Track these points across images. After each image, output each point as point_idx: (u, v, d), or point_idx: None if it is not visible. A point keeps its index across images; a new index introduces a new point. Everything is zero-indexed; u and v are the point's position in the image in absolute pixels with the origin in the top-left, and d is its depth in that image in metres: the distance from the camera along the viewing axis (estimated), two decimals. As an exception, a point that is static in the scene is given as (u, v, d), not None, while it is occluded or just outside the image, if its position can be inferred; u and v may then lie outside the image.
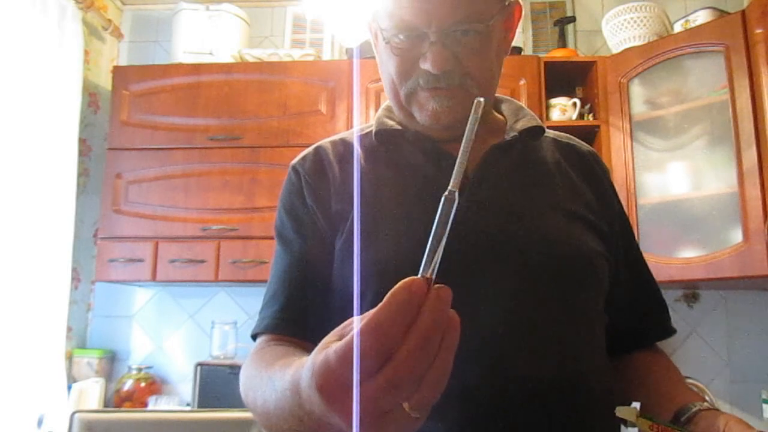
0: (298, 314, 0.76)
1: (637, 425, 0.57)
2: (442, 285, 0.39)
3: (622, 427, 0.69)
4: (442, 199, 0.41)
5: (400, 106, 0.81)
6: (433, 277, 0.40)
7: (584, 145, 0.91)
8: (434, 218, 0.41)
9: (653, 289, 0.89)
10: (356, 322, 0.39)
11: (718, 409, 0.67)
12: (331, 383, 0.38)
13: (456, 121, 0.77)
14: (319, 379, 0.39)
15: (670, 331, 0.87)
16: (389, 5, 0.75)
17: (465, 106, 0.77)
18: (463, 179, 0.76)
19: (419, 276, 0.39)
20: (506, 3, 0.78)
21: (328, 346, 0.40)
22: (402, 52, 0.76)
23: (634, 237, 0.91)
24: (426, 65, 0.74)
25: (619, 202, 0.90)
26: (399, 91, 0.79)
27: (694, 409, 0.67)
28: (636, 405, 0.58)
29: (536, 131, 0.83)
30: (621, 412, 0.58)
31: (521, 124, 0.83)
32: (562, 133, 0.92)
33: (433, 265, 0.40)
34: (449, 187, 0.42)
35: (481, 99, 0.45)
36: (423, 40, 0.74)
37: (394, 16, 0.75)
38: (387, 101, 0.88)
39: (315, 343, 0.44)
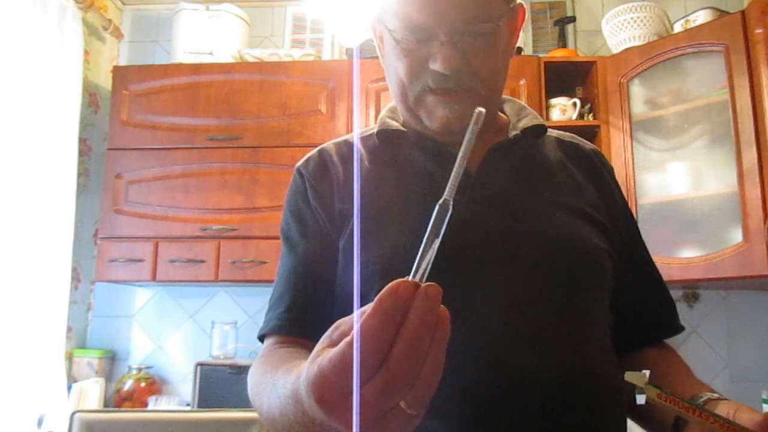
0: (304, 315, 0.76)
1: (645, 392, 0.57)
2: (431, 283, 0.39)
3: (632, 424, 0.68)
4: (437, 206, 0.42)
5: (408, 108, 0.81)
6: (422, 282, 0.40)
7: (588, 144, 0.91)
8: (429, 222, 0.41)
9: (660, 286, 0.89)
10: (355, 318, 0.40)
11: (727, 399, 0.67)
12: (329, 393, 0.39)
13: (465, 126, 0.77)
14: (316, 390, 0.40)
15: (677, 329, 0.87)
16: (397, 6, 0.75)
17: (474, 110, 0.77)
18: (465, 177, 0.77)
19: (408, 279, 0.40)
20: (511, 5, 0.78)
21: (321, 355, 0.41)
22: (411, 52, 0.76)
23: (639, 235, 0.90)
24: (435, 65, 0.74)
25: (624, 199, 0.90)
26: (407, 94, 0.79)
27: (704, 398, 0.67)
28: (646, 372, 0.58)
29: (538, 130, 0.84)
30: (630, 376, 0.57)
31: (523, 123, 0.83)
32: (565, 133, 0.92)
33: (422, 271, 0.40)
34: (444, 196, 0.42)
35: (482, 109, 0.45)
36: (432, 40, 0.74)
37: (402, 17, 0.74)
38: (390, 103, 0.88)
39: None
